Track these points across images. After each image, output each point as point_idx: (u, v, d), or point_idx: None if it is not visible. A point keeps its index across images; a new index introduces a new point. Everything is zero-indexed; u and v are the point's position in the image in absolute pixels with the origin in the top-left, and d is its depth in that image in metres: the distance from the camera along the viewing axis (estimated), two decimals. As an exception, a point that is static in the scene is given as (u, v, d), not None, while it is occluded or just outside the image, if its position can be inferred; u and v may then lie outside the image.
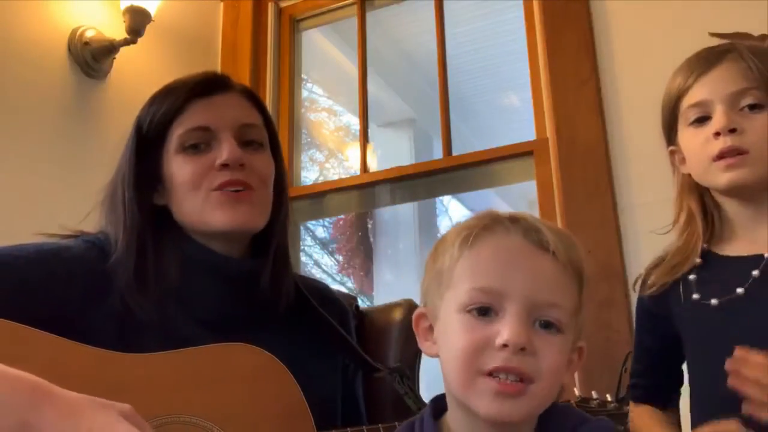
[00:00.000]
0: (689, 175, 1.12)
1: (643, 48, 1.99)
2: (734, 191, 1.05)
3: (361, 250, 4.40)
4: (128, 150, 1.11)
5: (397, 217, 3.78)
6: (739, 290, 0.99)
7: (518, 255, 0.73)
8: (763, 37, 1.89)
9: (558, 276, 0.73)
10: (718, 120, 1.03)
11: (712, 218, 1.11)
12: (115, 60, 2.14)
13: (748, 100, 1.03)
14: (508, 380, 0.70)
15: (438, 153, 2.53)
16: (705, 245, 1.08)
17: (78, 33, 2.06)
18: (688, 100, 1.08)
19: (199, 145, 1.08)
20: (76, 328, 0.95)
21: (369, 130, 2.55)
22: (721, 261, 1.06)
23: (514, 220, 0.75)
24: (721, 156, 1.02)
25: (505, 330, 0.70)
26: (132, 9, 2.09)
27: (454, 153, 2.33)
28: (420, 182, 2.38)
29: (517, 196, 3.61)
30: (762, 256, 1.01)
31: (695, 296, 1.04)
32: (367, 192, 2.47)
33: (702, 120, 1.06)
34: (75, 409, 0.74)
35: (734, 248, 1.07)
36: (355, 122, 3.25)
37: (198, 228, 1.08)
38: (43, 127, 1.94)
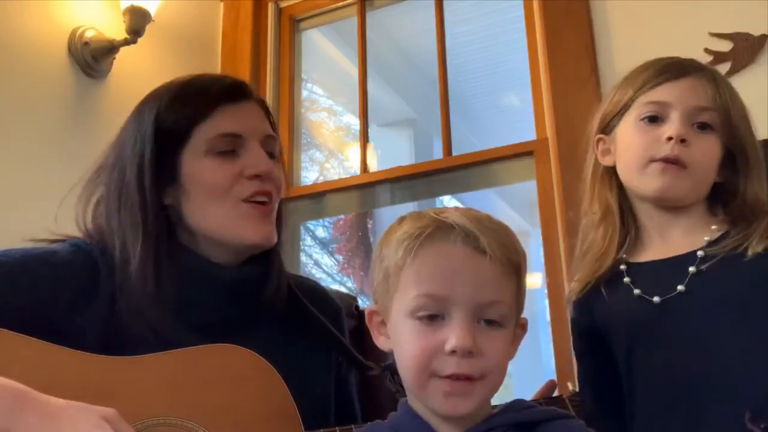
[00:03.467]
0: (609, 168, 1.12)
1: (643, 48, 1.99)
2: (658, 199, 1.06)
3: (361, 250, 4.39)
4: (145, 145, 1.06)
5: (396, 217, 3.77)
6: (680, 287, 0.99)
7: (460, 262, 0.78)
8: (763, 37, 1.89)
9: (497, 275, 0.79)
10: (675, 126, 1.03)
11: (624, 219, 1.11)
12: (115, 60, 2.14)
13: (703, 118, 1.04)
14: (458, 381, 0.76)
15: (438, 153, 2.52)
16: (624, 255, 1.08)
17: (78, 33, 2.06)
18: (648, 96, 1.07)
19: (229, 150, 1.07)
20: (62, 333, 0.95)
21: (369, 130, 2.55)
22: (644, 266, 1.06)
23: (452, 226, 0.79)
24: (664, 161, 1.02)
25: (452, 336, 0.75)
26: (132, 9, 2.09)
27: (454, 153, 2.33)
28: (420, 182, 2.38)
29: (517, 196, 3.61)
30: (694, 253, 1.01)
31: (636, 291, 1.02)
32: (367, 192, 2.47)
33: (654, 119, 1.05)
34: (57, 414, 0.74)
35: (650, 255, 1.07)
36: (355, 122, 3.24)
37: (217, 236, 1.07)
38: (43, 126, 1.94)
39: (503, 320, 0.79)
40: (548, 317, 2.02)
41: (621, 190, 1.12)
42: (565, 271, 1.89)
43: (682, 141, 1.02)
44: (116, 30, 2.13)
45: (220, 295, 1.07)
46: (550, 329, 1.99)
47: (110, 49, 2.11)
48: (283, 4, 2.71)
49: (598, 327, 1.07)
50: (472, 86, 3.61)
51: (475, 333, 0.76)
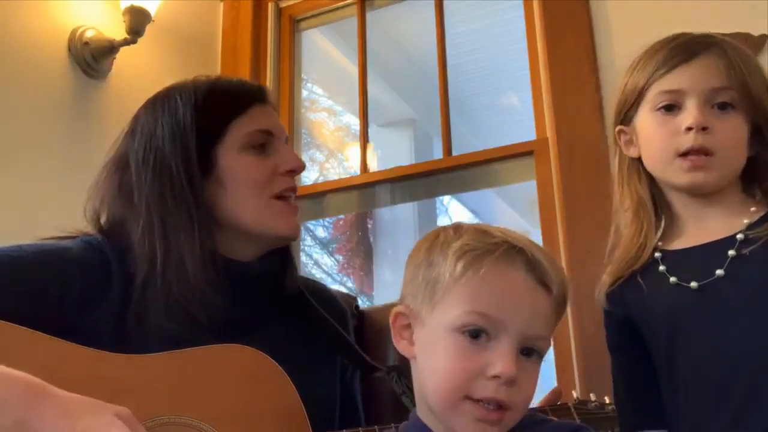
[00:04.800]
0: (636, 159, 1.08)
1: (643, 48, 1.99)
2: (692, 191, 1.02)
3: (361, 250, 4.39)
4: (188, 139, 1.07)
5: (397, 217, 3.77)
6: (719, 272, 0.96)
7: (521, 290, 0.77)
8: (763, 37, 1.89)
9: (550, 312, 0.79)
10: (692, 115, 0.99)
11: (658, 209, 1.07)
12: (115, 60, 2.14)
13: (721, 98, 0.99)
14: (491, 406, 0.74)
15: (438, 153, 2.52)
16: (659, 243, 1.05)
17: (78, 33, 2.06)
18: (660, 85, 1.03)
19: (265, 146, 1.12)
20: (74, 329, 0.95)
21: (369, 130, 2.55)
22: (680, 253, 1.03)
23: (517, 251, 0.77)
24: (687, 152, 0.99)
25: (499, 362, 0.73)
26: (132, 9, 2.09)
27: (454, 153, 2.33)
28: (420, 182, 2.38)
29: (517, 196, 3.61)
30: (733, 237, 0.97)
31: (672, 279, 0.99)
32: (367, 192, 2.47)
33: (670, 108, 1.02)
34: (71, 409, 0.74)
35: (684, 242, 1.03)
36: (355, 122, 3.24)
37: (251, 228, 1.09)
38: (42, 127, 1.94)
39: (541, 353, 0.78)
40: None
41: (651, 179, 1.08)
42: (564, 271, 1.89)
43: (704, 129, 0.98)
44: (116, 30, 2.13)
45: (237, 290, 1.08)
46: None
47: (110, 49, 2.11)
48: (283, 4, 2.71)
49: (633, 319, 1.05)
50: (472, 86, 3.61)
51: (518, 363, 0.75)
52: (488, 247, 0.77)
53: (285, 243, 1.16)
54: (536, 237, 2.09)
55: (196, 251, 1.03)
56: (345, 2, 2.63)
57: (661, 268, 1.02)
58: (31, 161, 1.88)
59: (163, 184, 1.06)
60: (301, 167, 1.15)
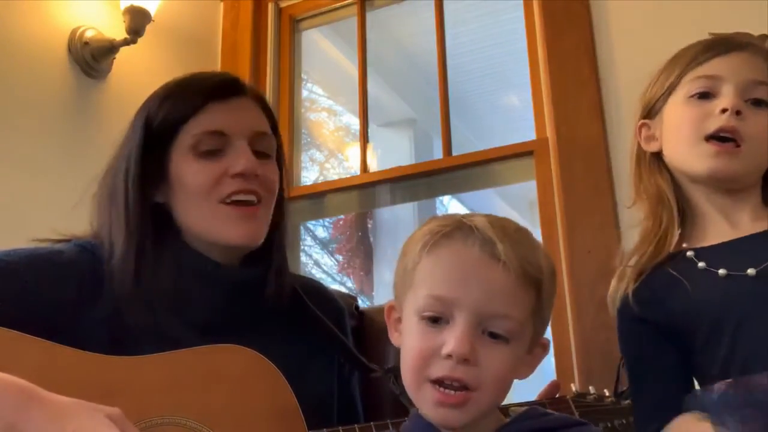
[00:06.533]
0: (655, 154, 1.07)
1: (643, 48, 1.99)
2: (711, 179, 1.00)
3: (361, 250, 4.39)
4: (133, 144, 1.08)
5: (397, 217, 3.77)
6: (750, 271, 0.93)
7: (472, 266, 0.76)
8: (763, 37, 1.89)
9: (510, 287, 0.75)
10: (729, 98, 0.97)
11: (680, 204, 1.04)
12: (115, 60, 2.14)
13: (757, 93, 0.99)
14: (451, 391, 0.74)
15: (438, 153, 2.52)
16: (685, 244, 1.01)
17: (78, 33, 2.06)
18: (698, 72, 1.01)
19: (214, 150, 1.06)
20: (67, 333, 0.95)
21: (369, 130, 2.54)
22: (717, 248, 0.99)
23: (473, 229, 0.77)
24: (718, 132, 0.97)
25: (450, 341, 0.73)
26: (132, 9, 2.09)
27: (454, 153, 2.33)
28: (420, 182, 2.38)
29: (517, 196, 3.61)
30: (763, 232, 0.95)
31: (721, 271, 0.95)
32: (367, 192, 2.47)
33: (705, 96, 1.00)
34: (62, 412, 0.74)
35: (717, 237, 1.00)
36: (355, 122, 3.24)
37: (201, 236, 1.07)
38: (42, 127, 1.94)
39: (510, 335, 0.76)
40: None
41: (671, 176, 1.05)
42: (565, 271, 1.89)
43: (737, 113, 0.96)
44: (116, 30, 2.13)
45: (219, 294, 1.07)
46: (550, 329, 1.98)
47: (110, 49, 2.11)
48: (283, 4, 2.71)
49: (676, 318, 0.98)
50: (472, 86, 3.61)
51: (475, 342, 0.74)
52: (444, 230, 0.78)
53: (245, 250, 1.09)
54: (536, 237, 2.09)
55: (129, 255, 1.03)
56: (345, 2, 2.63)
57: (701, 264, 0.98)
58: (30, 161, 1.88)
59: (108, 192, 1.08)
60: (251, 168, 1.05)
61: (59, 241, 1.09)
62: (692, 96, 1.01)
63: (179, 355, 0.96)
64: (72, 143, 2.00)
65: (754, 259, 0.95)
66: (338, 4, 2.65)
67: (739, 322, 0.94)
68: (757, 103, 0.99)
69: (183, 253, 1.07)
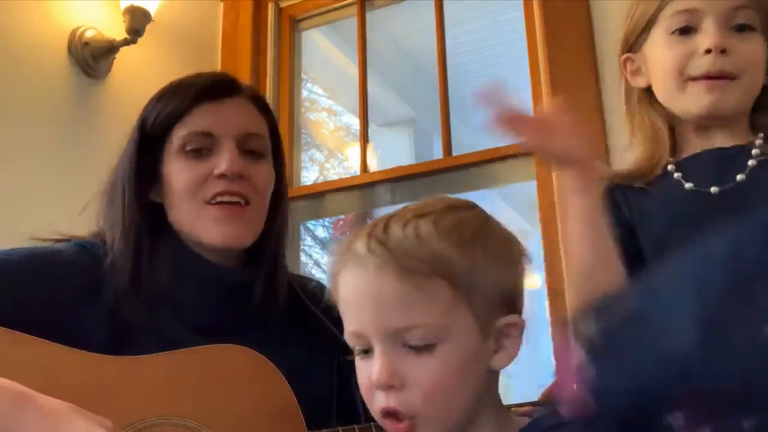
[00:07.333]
0: (645, 89, 1.03)
1: None
2: (706, 118, 0.97)
3: (361, 250, 4.38)
4: (130, 145, 1.10)
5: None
6: (740, 177, 0.91)
7: (359, 291, 0.70)
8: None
9: (400, 294, 0.67)
10: (711, 36, 0.93)
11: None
12: (115, 60, 2.14)
13: (740, 19, 0.95)
14: (397, 422, 0.69)
15: (438, 153, 2.52)
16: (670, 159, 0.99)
17: (78, 33, 2.06)
18: (676, 5, 0.97)
19: (200, 150, 1.06)
20: (67, 332, 0.95)
21: (369, 130, 2.54)
22: (691, 159, 0.97)
23: (348, 251, 0.72)
24: (704, 77, 0.93)
25: (373, 372, 0.68)
26: (132, 9, 2.09)
27: (454, 153, 2.33)
28: (420, 182, 2.38)
29: (517, 196, 3.61)
30: (746, 147, 0.93)
31: (688, 185, 0.94)
32: (367, 192, 2.47)
33: (686, 31, 0.96)
34: (56, 416, 0.74)
35: (693, 151, 0.98)
36: (355, 122, 3.24)
37: (190, 234, 1.08)
38: (42, 127, 1.94)
39: (431, 340, 0.68)
40: (548, 317, 2.02)
41: (663, 108, 1.02)
42: (565, 271, 1.89)
43: (722, 51, 0.93)
44: (116, 30, 2.13)
45: (214, 295, 1.08)
46: (550, 329, 1.98)
47: (110, 49, 2.11)
48: (283, 4, 2.70)
49: (633, 219, 0.96)
50: (472, 86, 3.60)
51: (400, 363, 0.68)
52: (333, 267, 0.75)
53: (232, 252, 1.09)
54: (536, 237, 2.09)
55: (127, 254, 1.04)
56: (345, 2, 2.63)
57: (676, 175, 0.96)
58: (30, 161, 1.88)
59: (108, 192, 1.10)
60: (235, 169, 1.04)
61: (59, 240, 1.10)
62: (673, 32, 0.97)
63: (179, 355, 0.96)
64: (72, 143, 2.00)
65: (721, 177, 0.93)
66: (338, 4, 2.65)
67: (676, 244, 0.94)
68: (741, 28, 0.95)
69: (179, 253, 1.07)
